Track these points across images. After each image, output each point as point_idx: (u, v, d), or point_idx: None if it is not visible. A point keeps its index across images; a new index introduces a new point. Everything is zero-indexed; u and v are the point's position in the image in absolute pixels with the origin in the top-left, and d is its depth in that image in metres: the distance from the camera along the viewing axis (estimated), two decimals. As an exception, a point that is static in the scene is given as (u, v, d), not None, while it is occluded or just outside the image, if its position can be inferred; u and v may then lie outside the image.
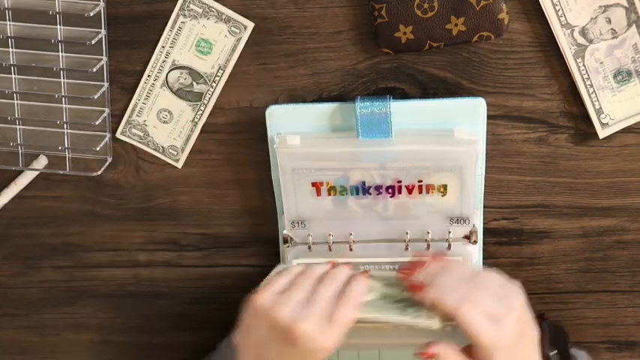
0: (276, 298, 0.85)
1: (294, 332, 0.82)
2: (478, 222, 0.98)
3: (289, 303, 0.84)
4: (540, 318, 0.98)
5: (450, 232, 0.96)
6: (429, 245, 0.97)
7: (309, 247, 0.98)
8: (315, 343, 0.83)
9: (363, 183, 0.95)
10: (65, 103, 0.99)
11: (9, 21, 0.95)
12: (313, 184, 0.96)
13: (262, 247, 1.04)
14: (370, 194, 0.96)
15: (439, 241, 0.97)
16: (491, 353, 0.81)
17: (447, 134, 0.93)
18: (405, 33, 0.92)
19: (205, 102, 0.98)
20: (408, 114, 0.94)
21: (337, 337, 0.84)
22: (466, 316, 0.81)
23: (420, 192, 0.95)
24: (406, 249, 0.97)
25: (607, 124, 0.96)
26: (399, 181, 0.95)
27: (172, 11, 0.95)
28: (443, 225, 0.96)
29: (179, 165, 1.01)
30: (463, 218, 0.96)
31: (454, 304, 0.82)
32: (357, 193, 0.96)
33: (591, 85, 0.95)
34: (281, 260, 1.01)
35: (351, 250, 0.98)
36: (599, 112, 0.96)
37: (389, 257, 0.98)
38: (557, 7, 0.92)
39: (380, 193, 0.95)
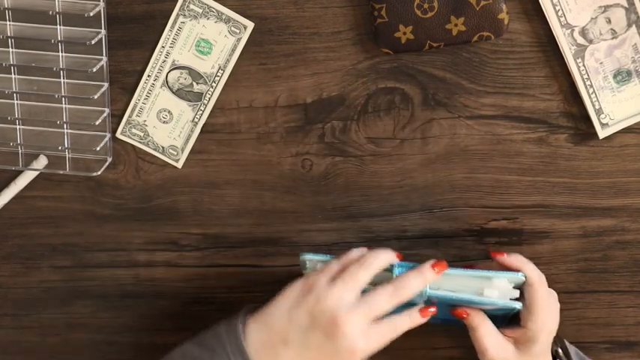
0: (327, 284, 0.82)
1: (338, 325, 0.79)
2: None
3: (341, 293, 0.81)
4: None
5: None
6: None
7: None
8: (354, 342, 0.79)
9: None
10: (65, 103, 0.99)
11: (9, 21, 0.95)
12: None
13: (262, 247, 1.04)
14: None
15: None
16: (537, 336, 0.91)
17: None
18: (405, 33, 0.92)
19: (205, 102, 0.98)
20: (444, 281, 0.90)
21: (376, 344, 0.80)
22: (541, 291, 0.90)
23: None
24: None
25: (607, 124, 0.96)
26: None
27: (172, 11, 0.95)
28: None
29: (179, 165, 1.01)
30: None
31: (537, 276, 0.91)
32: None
33: (591, 86, 0.95)
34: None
35: None
36: (599, 112, 0.96)
37: None
38: (557, 8, 0.92)
39: None
